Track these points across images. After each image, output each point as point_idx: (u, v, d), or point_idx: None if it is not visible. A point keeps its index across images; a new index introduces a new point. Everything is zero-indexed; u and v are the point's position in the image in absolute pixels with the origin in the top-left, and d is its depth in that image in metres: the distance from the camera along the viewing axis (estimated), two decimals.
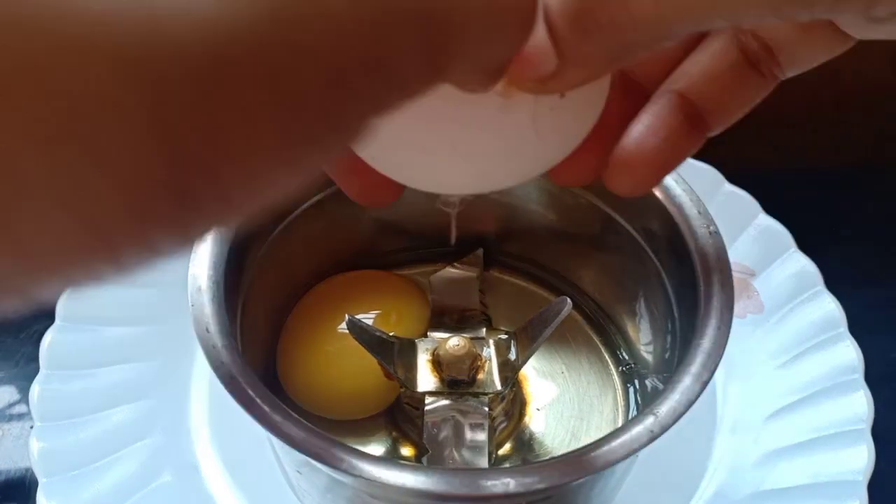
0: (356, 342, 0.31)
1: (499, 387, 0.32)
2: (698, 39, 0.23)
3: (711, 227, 0.30)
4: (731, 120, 0.23)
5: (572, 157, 0.22)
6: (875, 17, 0.17)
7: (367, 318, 0.34)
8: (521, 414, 0.35)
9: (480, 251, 0.38)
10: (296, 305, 0.36)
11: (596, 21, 0.16)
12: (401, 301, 0.36)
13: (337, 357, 0.34)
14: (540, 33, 0.17)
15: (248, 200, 0.12)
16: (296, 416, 0.25)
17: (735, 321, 0.27)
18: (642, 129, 0.22)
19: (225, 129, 0.11)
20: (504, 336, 0.33)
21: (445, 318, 0.36)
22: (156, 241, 0.11)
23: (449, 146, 0.21)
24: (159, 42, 0.10)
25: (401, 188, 0.23)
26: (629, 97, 0.23)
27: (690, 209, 0.30)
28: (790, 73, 0.22)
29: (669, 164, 0.23)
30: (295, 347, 0.35)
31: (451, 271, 0.37)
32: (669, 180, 0.31)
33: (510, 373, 0.32)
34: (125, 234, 0.11)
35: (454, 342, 0.31)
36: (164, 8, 0.10)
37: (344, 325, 0.31)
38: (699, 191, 0.31)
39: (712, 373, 0.26)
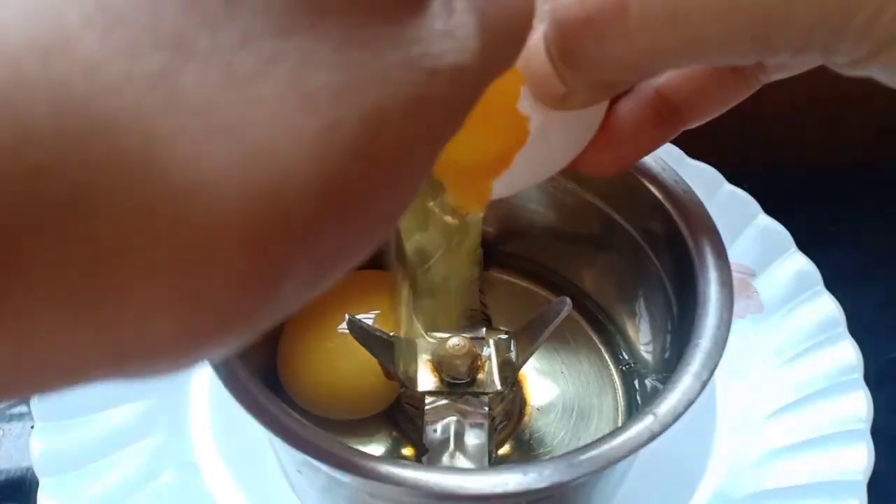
0: (356, 342, 0.31)
1: (499, 386, 0.32)
2: None
3: (711, 227, 0.30)
4: (706, 118, 0.24)
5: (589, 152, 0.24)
6: (836, 64, 0.17)
7: (367, 318, 0.34)
8: (521, 414, 0.35)
9: (480, 251, 0.38)
10: None
11: (576, 59, 0.18)
12: None
13: (337, 357, 0.34)
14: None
15: (315, 293, 0.13)
16: (296, 415, 0.25)
17: (735, 321, 0.27)
18: (612, 118, 0.23)
19: (325, 260, 0.12)
20: (504, 336, 0.33)
21: None
22: (229, 344, 0.12)
23: None
24: (274, 206, 0.11)
25: None
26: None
27: (690, 209, 0.30)
28: (775, 78, 0.22)
29: (635, 154, 0.24)
30: (295, 347, 0.35)
31: None
32: (669, 181, 0.31)
33: (510, 373, 0.32)
34: (209, 348, 0.12)
35: (454, 342, 0.31)
36: (279, 172, 0.10)
37: (344, 324, 0.31)
38: (699, 191, 0.31)
39: (712, 372, 0.26)
